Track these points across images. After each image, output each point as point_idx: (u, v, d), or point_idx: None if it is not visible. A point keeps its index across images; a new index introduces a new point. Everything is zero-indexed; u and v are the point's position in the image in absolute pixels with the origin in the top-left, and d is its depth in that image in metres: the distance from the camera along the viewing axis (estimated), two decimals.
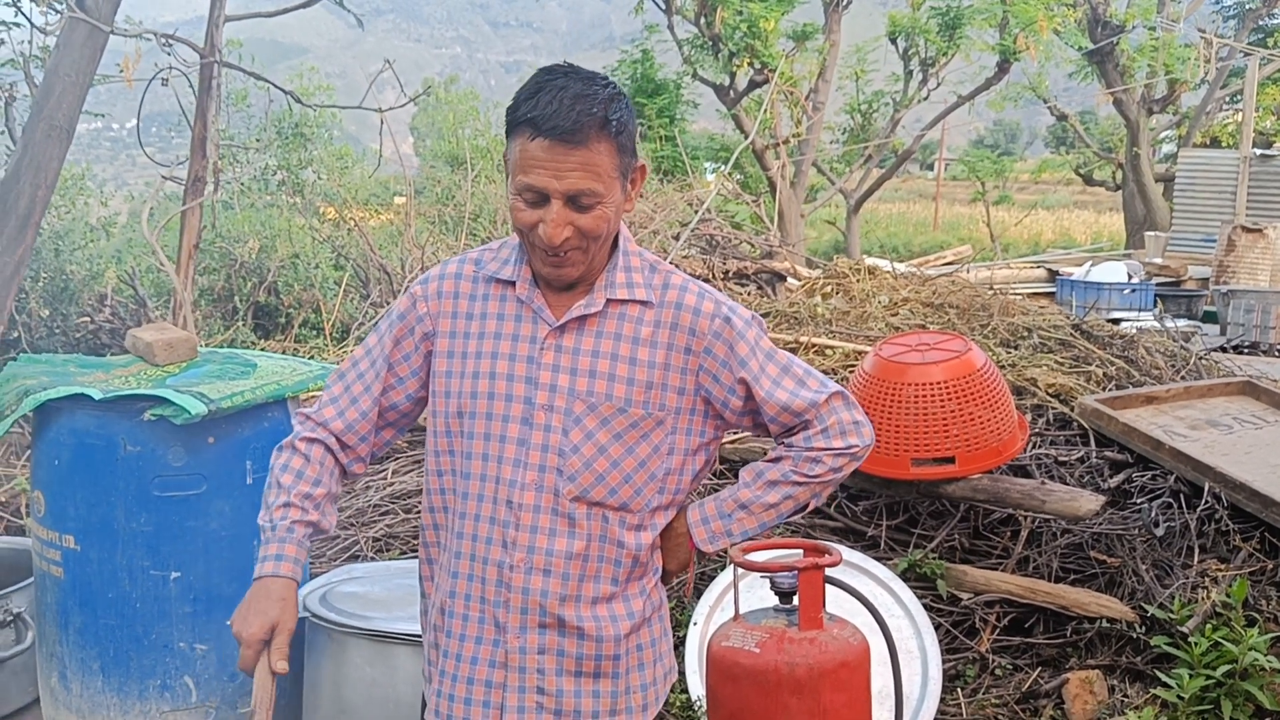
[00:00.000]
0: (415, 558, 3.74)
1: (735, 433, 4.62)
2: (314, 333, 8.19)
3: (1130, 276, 12.05)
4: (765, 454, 2.31)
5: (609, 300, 2.00)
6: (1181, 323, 8.84)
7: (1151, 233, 17.34)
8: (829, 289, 6.29)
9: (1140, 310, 10.34)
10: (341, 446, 2.10)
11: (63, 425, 3.24)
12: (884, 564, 3.90)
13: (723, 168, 14.88)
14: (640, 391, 1.98)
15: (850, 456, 2.08)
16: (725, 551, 4.06)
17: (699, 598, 3.84)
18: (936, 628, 3.81)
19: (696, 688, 3.61)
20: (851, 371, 4.48)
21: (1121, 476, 4.35)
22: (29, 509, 4.04)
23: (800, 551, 3.16)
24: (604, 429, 1.97)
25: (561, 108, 1.85)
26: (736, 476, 2.53)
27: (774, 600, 3.19)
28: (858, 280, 6.23)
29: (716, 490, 3.20)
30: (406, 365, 2.10)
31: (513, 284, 2.03)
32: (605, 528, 1.99)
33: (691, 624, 3.74)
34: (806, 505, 2.13)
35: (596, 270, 2.00)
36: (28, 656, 3.76)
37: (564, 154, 1.86)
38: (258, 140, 9.83)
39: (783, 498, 2.08)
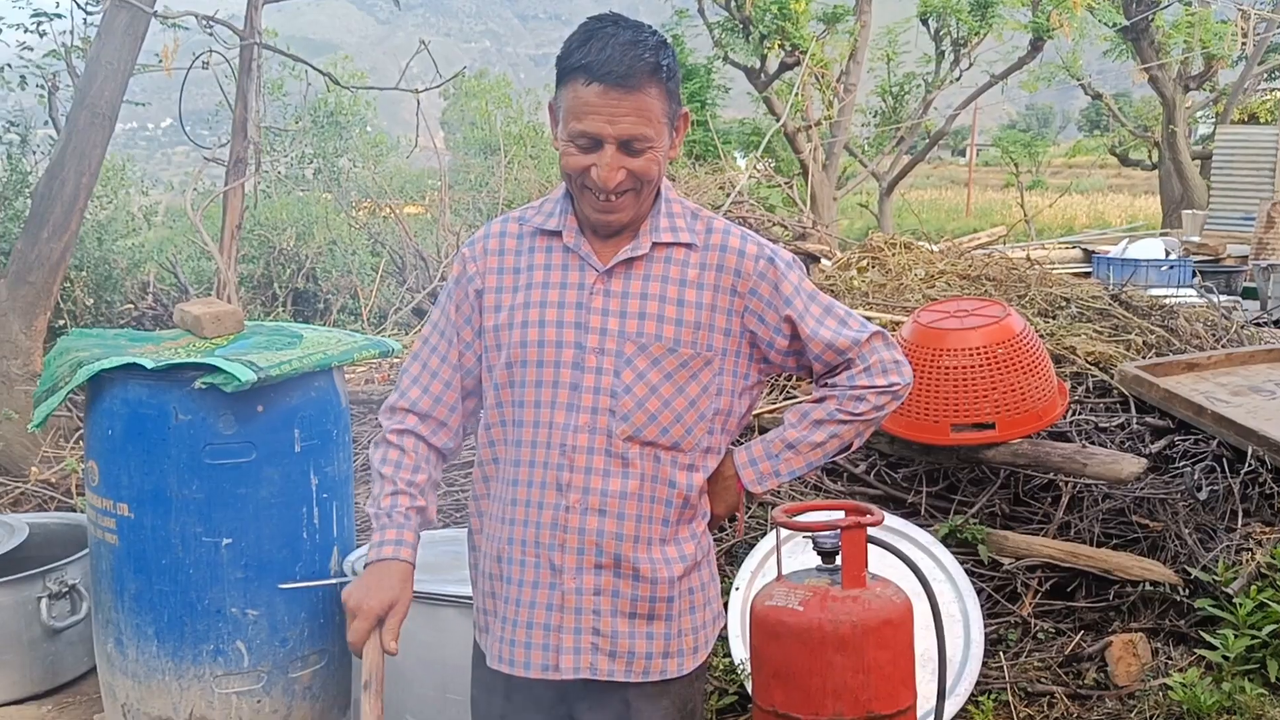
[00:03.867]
0: (461, 528, 3.79)
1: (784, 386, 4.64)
2: (352, 318, 8.28)
3: (1168, 253, 11.93)
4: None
5: (654, 244, 2.04)
6: (1222, 298, 8.75)
7: (1189, 211, 17.15)
8: (865, 264, 6.28)
9: (1179, 287, 10.24)
10: (434, 428, 2.12)
11: (116, 395, 3.31)
12: (925, 530, 3.91)
13: (755, 153, 14.85)
14: (689, 331, 2.02)
15: (892, 394, 2.11)
16: (771, 502, 4.09)
17: (747, 552, 3.86)
18: (978, 592, 3.82)
19: (739, 651, 3.63)
20: None
21: (1163, 442, 4.34)
22: (81, 484, 4.13)
23: (842, 513, 3.19)
24: (655, 369, 2.01)
25: (615, 54, 1.90)
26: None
27: (816, 563, 3.22)
28: (893, 255, 6.22)
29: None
30: (470, 328, 2.12)
31: (559, 234, 2.07)
32: (657, 468, 2.03)
33: (734, 589, 3.77)
34: (851, 445, 2.15)
35: (641, 217, 2.04)
36: (83, 627, 3.85)
37: (618, 99, 1.90)
38: (296, 123, 9.93)
39: (829, 436, 2.11)
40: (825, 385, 2.13)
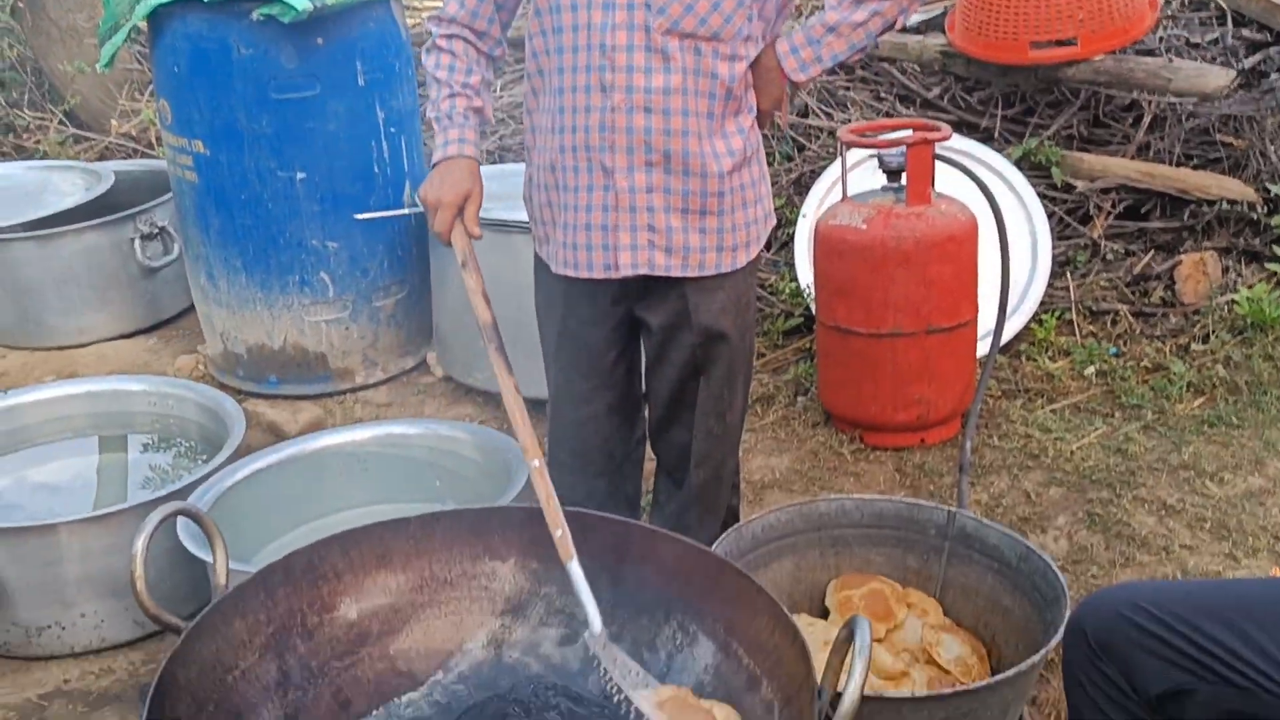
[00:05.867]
0: None
1: None
2: None
3: None
4: None
5: None
6: None
7: None
8: None
9: None
10: (477, 35, 2.15)
11: (177, 31, 3.31)
12: (998, 154, 3.84)
13: None
14: None
15: None
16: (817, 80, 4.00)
17: (815, 180, 3.86)
18: (1050, 215, 3.79)
19: (805, 275, 3.70)
20: None
21: (1258, 56, 4.13)
22: (160, 136, 4.21)
23: (910, 131, 3.15)
24: None
25: None
26: None
27: (882, 184, 3.21)
28: None
29: None
30: None
31: None
32: (699, 60, 2.01)
33: (801, 216, 3.79)
34: (894, 22, 2.08)
35: None
36: (177, 267, 4.02)
37: None
38: None
39: (870, 14, 2.04)
40: None
